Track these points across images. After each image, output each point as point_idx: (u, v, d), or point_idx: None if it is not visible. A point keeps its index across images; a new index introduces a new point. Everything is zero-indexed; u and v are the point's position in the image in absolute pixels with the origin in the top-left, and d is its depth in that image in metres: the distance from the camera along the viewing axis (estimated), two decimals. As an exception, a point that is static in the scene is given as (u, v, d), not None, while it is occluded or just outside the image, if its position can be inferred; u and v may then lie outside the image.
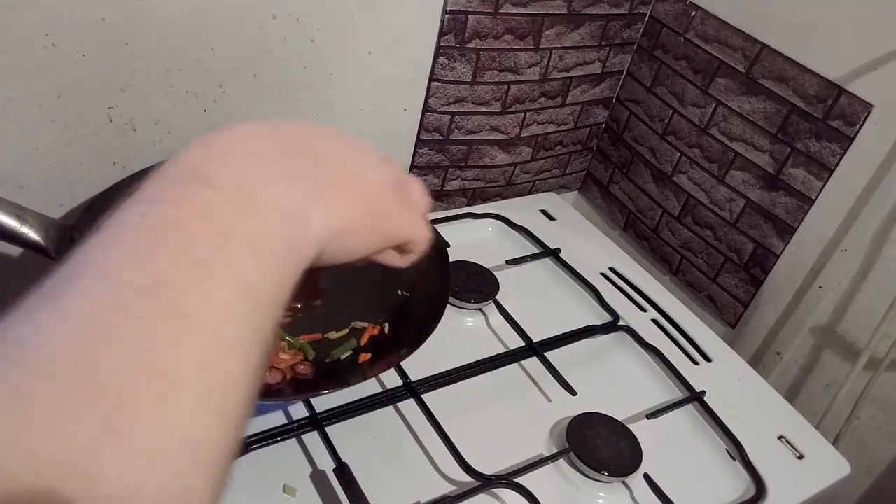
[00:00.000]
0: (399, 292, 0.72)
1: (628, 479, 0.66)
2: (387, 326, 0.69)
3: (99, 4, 0.62)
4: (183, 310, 0.24)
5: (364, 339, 0.67)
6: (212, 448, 0.23)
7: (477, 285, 0.82)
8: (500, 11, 0.84)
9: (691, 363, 0.81)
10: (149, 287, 0.24)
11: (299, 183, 0.31)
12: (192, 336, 0.24)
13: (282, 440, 0.61)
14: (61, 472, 0.20)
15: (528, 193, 1.08)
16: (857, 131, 0.78)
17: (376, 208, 0.36)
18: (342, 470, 0.58)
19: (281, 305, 0.29)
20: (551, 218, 1.00)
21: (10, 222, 0.55)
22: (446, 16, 0.81)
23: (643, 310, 0.87)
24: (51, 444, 0.20)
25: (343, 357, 0.65)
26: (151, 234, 0.26)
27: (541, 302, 0.85)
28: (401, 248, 0.40)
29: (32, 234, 0.55)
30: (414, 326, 0.66)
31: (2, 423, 0.20)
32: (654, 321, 0.86)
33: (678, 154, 0.98)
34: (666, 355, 0.79)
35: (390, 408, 0.67)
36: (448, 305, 0.67)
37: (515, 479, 0.61)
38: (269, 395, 0.60)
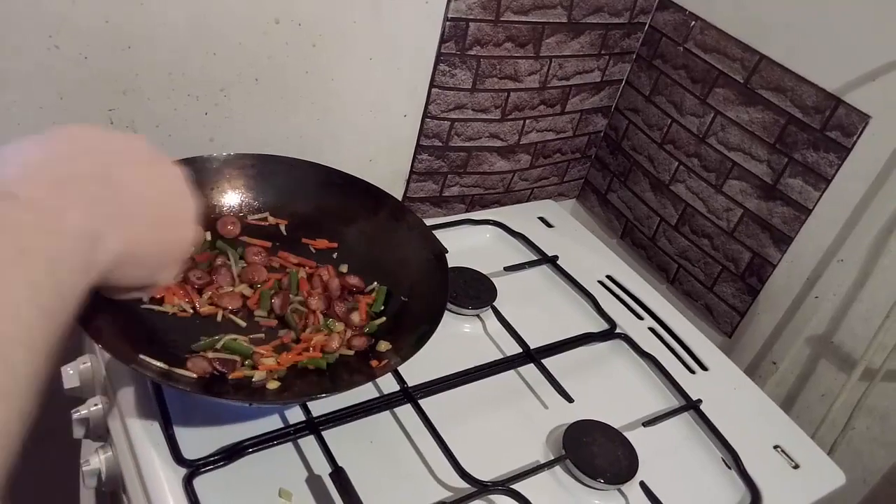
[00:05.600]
0: (401, 298, 0.72)
1: (624, 487, 0.66)
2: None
3: (102, 7, 0.63)
4: None
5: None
6: None
7: (475, 291, 0.82)
8: (501, 19, 0.85)
9: (688, 372, 0.81)
10: None
11: (96, 207, 0.34)
12: None
13: (278, 444, 0.61)
14: None
15: (527, 201, 1.08)
16: (855, 142, 0.79)
17: (159, 249, 0.39)
18: (338, 475, 0.58)
19: (69, 315, 0.31)
20: (549, 225, 1.00)
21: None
22: (447, 23, 0.82)
23: (640, 318, 0.87)
24: None
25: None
26: None
27: (538, 309, 0.85)
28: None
29: (32, 235, 0.55)
30: (412, 331, 0.66)
31: None
32: (651, 329, 0.86)
33: (676, 163, 0.99)
34: (662, 363, 0.80)
35: (387, 413, 0.67)
36: (446, 311, 0.67)
37: (511, 486, 0.61)
38: (265, 398, 0.60)
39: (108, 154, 0.37)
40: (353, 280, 0.72)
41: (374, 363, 0.63)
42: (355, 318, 0.68)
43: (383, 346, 0.65)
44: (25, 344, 0.28)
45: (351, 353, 0.65)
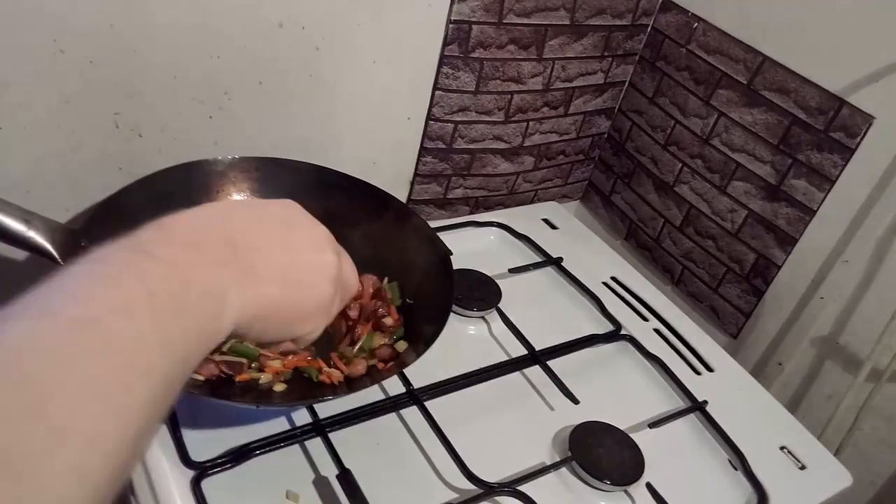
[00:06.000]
0: (406, 300, 0.72)
1: (630, 489, 0.66)
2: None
3: (107, 12, 0.63)
4: (105, 341, 0.29)
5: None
6: (106, 443, 0.27)
7: (479, 293, 0.82)
8: (504, 22, 0.85)
9: (693, 373, 0.81)
10: (82, 320, 0.29)
11: (223, 271, 0.37)
12: (109, 360, 0.28)
13: (285, 446, 0.61)
14: None
15: (531, 202, 1.08)
16: (859, 143, 0.79)
17: (291, 306, 0.42)
18: (345, 476, 0.58)
19: (192, 364, 0.34)
20: (553, 227, 1.00)
21: (17, 226, 0.55)
22: (450, 26, 0.82)
23: (645, 319, 0.87)
24: None
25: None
26: (93, 282, 0.31)
27: (543, 310, 0.85)
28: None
29: (39, 239, 0.56)
30: (417, 334, 0.66)
31: None
32: (656, 331, 0.86)
33: (680, 164, 0.99)
34: (668, 365, 0.80)
35: (393, 415, 0.67)
36: (451, 313, 0.67)
37: (517, 487, 0.61)
38: (272, 400, 0.60)
39: (245, 221, 0.41)
40: (369, 281, 0.72)
41: (380, 366, 0.64)
42: (388, 321, 0.68)
43: (401, 345, 0.65)
44: (146, 372, 0.30)
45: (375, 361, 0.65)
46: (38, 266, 0.60)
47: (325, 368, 0.62)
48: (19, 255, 0.70)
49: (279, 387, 0.60)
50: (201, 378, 0.58)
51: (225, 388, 0.58)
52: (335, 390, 0.61)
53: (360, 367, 0.63)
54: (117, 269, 0.32)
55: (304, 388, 0.62)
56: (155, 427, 0.31)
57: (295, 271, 0.42)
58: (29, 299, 0.29)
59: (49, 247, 0.56)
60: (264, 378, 0.60)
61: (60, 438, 0.25)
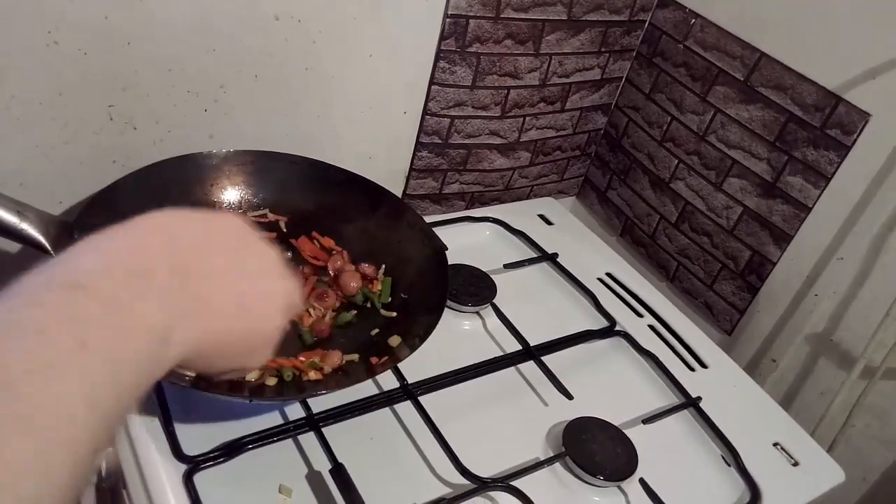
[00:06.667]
0: (400, 294, 0.72)
1: (624, 484, 0.66)
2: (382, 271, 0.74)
3: (101, 3, 0.62)
4: (22, 412, 0.25)
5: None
6: None
7: (474, 288, 0.82)
8: (501, 16, 0.84)
9: (687, 369, 0.81)
10: None
11: (169, 301, 0.32)
12: (24, 438, 0.24)
13: (278, 440, 0.61)
14: None
15: (527, 198, 1.08)
16: (855, 140, 0.79)
17: (240, 340, 0.38)
18: (338, 471, 0.58)
19: (127, 409, 0.30)
20: (549, 223, 1.00)
21: (10, 218, 0.55)
22: (447, 20, 0.82)
23: (640, 315, 0.87)
24: None
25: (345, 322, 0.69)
26: (12, 332, 0.26)
27: (538, 306, 0.85)
28: None
29: (32, 231, 0.56)
30: (412, 329, 0.66)
31: None
32: (651, 327, 0.86)
33: (676, 161, 0.99)
34: (662, 361, 0.80)
35: (387, 409, 0.67)
36: (445, 308, 0.67)
37: (511, 483, 0.61)
38: (265, 395, 0.60)
39: (193, 243, 0.36)
40: (368, 269, 0.74)
41: (373, 360, 0.63)
42: (329, 300, 0.69)
43: (395, 340, 0.65)
44: (71, 447, 0.26)
45: (356, 357, 0.65)
46: (32, 258, 0.60)
47: (302, 368, 0.63)
48: (13, 247, 0.69)
49: (271, 381, 0.60)
50: (191, 374, 0.57)
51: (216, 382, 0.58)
52: (328, 385, 0.61)
53: (335, 358, 0.64)
54: (46, 312, 0.28)
55: (298, 382, 0.61)
56: (84, 483, 0.27)
57: (248, 301, 0.38)
58: None
59: (42, 239, 0.56)
60: (250, 376, 0.60)
61: None
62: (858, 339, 0.82)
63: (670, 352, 0.83)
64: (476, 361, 0.74)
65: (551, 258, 0.91)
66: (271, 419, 0.63)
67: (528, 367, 0.75)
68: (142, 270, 0.32)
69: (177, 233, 0.36)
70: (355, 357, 0.65)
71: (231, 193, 0.75)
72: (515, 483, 0.61)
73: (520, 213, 0.99)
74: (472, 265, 0.85)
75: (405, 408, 0.67)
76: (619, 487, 0.66)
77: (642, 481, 0.66)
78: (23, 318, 0.27)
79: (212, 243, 0.37)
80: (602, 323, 0.83)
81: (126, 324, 0.30)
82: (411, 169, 0.93)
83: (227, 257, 0.38)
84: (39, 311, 0.28)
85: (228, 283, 0.37)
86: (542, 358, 0.75)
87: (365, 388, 0.67)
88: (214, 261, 0.37)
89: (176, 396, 0.60)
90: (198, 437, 0.59)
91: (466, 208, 1.02)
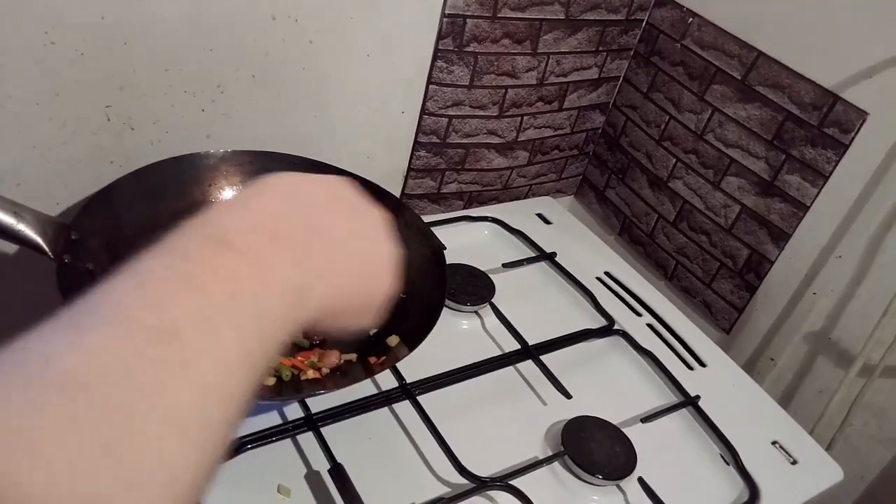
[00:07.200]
0: (399, 294, 0.72)
1: (622, 483, 0.66)
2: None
3: (98, 3, 0.62)
4: (186, 358, 0.27)
5: None
6: (186, 482, 0.26)
7: (473, 288, 0.82)
8: (499, 16, 0.84)
9: (686, 368, 0.81)
10: (161, 332, 0.27)
11: (306, 262, 0.35)
12: (189, 383, 0.27)
13: (277, 440, 0.61)
14: (57, 478, 0.22)
15: (525, 197, 1.08)
16: (852, 139, 0.79)
17: (362, 298, 0.40)
18: (337, 471, 0.58)
19: (271, 361, 0.32)
20: (547, 222, 1.00)
21: (7, 219, 0.55)
22: (445, 19, 0.82)
23: (638, 314, 0.87)
24: (54, 452, 0.22)
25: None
26: (171, 284, 0.29)
27: (536, 305, 0.85)
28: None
29: (29, 232, 0.55)
30: (410, 328, 0.66)
31: (14, 426, 0.22)
32: (649, 326, 0.86)
33: (674, 160, 0.99)
34: (661, 360, 0.80)
35: (385, 409, 0.67)
36: (444, 308, 0.67)
37: (510, 482, 0.61)
38: (263, 394, 0.60)
39: (317, 205, 0.39)
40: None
41: (372, 360, 0.63)
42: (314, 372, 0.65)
43: (393, 339, 0.65)
44: (225, 392, 0.28)
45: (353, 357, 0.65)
46: (29, 259, 0.60)
47: (301, 367, 0.62)
48: (10, 248, 0.69)
49: (269, 381, 0.60)
50: None
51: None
52: (326, 385, 0.61)
53: (333, 357, 0.63)
54: (198, 266, 0.30)
55: (296, 382, 0.61)
56: (226, 446, 0.29)
57: (366, 262, 0.40)
58: (102, 297, 0.27)
59: (40, 240, 0.56)
60: None
61: (129, 484, 0.23)
62: (856, 338, 0.82)
63: (669, 351, 0.83)
64: (475, 361, 0.74)
65: (550, 257, 0.91)
66: (270, 419, 0.63)
67: (527, 366, 0.75)
68: (278, 230, 0.34)
69: (302, 196, 0.39)
70: (353, 357, 0.65)
71: (229, 194, 0.75)
72: (514, 482, 0.61)
73: (518, 213, 0.99)
74: (471, 265, 0.85)
75: (404, 407, 0.67)
76: (618, 486, 0.66)
77: (641, 480, 0.66)
78: (180, 272, 0.29)
79: (334, 207, 0.40)
80: (600, 322, 0.83)
81: (271, 281, 0.32)
82: (409, 168, 0.93)
83: (344, 219, 0.40)
84: (193, 266, 0.30)
85: (352, 245, 0.39)
86: (541, 357, 0.75)
87: (363, 388, 0.67)
88: (339, 224, 0.39)
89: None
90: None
91: (465, 208, 1.02)
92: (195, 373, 0.27)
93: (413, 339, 0.63)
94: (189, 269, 0.30)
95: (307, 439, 0.62)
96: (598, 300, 0.86)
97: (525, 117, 0.97)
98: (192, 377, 0.27)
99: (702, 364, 0.83)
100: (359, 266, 0.39)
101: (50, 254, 0.56)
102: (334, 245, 0.37)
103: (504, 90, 0.92)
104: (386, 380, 0.68)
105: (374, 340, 0.68)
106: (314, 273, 0.35)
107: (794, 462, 0.73)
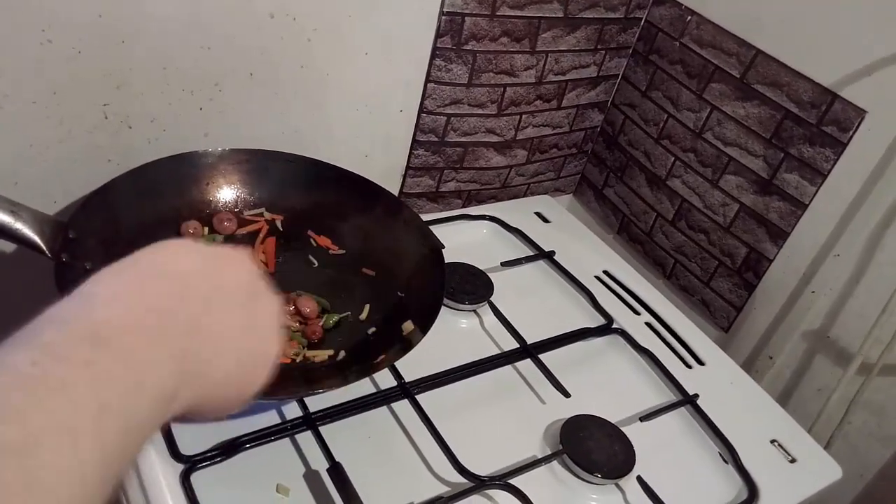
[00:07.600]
0: (397, 293, 0.72)
1: (621, 482, 0.66)
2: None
3: (95, 2, 0.62)
4: (40, 475, 0.25)
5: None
6: None
7: (471, 287, 0.82)
8: (497, 14, 0.84)
9: (684, 366, 0.81)
10: (15, 447, 0.24)
11: (184, 364, 0.33)
12: (41, 500, 0.25)
13: (275, 440, 0.61)
14: None
15: (523, 196, 1.08)
16: (851, 137, 0.79)
17: (235, 393, 0.39)
18: (336, 470, 0.57)
19: (131, 462, 0.30)
20: (546, 220, 1.00)
21: (5, 218, 0.55)
22: (443, 17, 0.81)
23: (637, 313, 0.87)
24: None
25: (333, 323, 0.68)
26: (35, 388, 0.26)
27: (535, 304, 0.85)
28: None
29: (26, 231, 0.55)
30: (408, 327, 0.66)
31: None
32: (648, 324, 0.86)
33: (672, 158, 0.99)
34: (659, 358, 0.80)
35: (384, 408, 0.67)
36: (442, 307, 0.67)
37: (509, 481, 0.61)
38: (261, 393, 0.60)
39: (206, 293, 0.36)
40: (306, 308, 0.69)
41: (371, 358, 0.63)
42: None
43: (408, 326, 0.65)
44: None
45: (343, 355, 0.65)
46: (27, 258, 0.60)
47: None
48: (7, 247, 0.69)
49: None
50: None
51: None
52: (325, 384, 0.61)
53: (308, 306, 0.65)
54: (69, 368, 0.27)
55: (296, 381, 0.61)
56: None
57: (248, 358, 0.39)
58: None
59: (37, 239, 0.56)
60: None
61: None
62: (855, 336, 0.82)
63: (667, 349, 0.83)
64: (473, 360, 0.73)
65: (548, 256, 0.91)
66: (268, 418, 0.63)
67: (526, 365, 0.75)
68: (160, 329, 0.32)
69: (191, 281, 0.36)
70: (351, 356, 0.65)
71: (227, 192, 0.74)
72: (513, 481, 0.61)
73: (516, 211, 0.99)
74: (469, 263, 0.85)
75: (403, 406, 0.67)
76: (617, 485, 0.66)
77: (640, 479, 0.66)
78: (49, 373, 0.27)
79: (223, 296, 0.38)
80: (599, 321, 0.83)
81: (144, 383, 0.30)
82: (408, 167, 0.93)
83: (237, 313, 0.38)
84: (63, 368, 0.27)
85: (234, 341, 0.37)
86: (540, 356, 0.75)
87: (362, 387, 0.67)
88: (225, 318, 0.37)
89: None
90: (195, 436, 0.58)
91: (463, 206, 1.02)
92: (46, 490, 0.25)
93: (412, 337, 0.63)
94: (59, 371, 0.27)
95: (306, 438, 0.62)
96: (597, 299, 0.86)
97: (523, 116, 0.97)
98: (42, 494, 0.25)
99: (700, 363, 0.83)
100: (237, 362, 0.38)
101: (47, 253, 0.56)
102: (215, 344, 0.36)
103: (503, 88, 0.92)
104: (385, 379, 0.68)
105: (372, 338, 0.68)
106: (189, 374, 0.33)
107: (793, 460, 0.73)
